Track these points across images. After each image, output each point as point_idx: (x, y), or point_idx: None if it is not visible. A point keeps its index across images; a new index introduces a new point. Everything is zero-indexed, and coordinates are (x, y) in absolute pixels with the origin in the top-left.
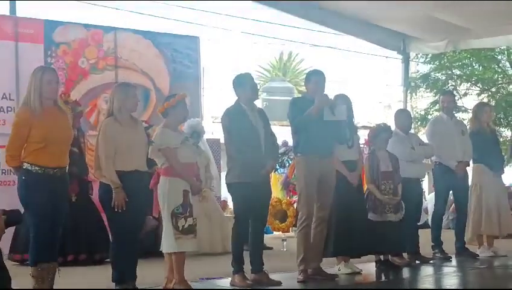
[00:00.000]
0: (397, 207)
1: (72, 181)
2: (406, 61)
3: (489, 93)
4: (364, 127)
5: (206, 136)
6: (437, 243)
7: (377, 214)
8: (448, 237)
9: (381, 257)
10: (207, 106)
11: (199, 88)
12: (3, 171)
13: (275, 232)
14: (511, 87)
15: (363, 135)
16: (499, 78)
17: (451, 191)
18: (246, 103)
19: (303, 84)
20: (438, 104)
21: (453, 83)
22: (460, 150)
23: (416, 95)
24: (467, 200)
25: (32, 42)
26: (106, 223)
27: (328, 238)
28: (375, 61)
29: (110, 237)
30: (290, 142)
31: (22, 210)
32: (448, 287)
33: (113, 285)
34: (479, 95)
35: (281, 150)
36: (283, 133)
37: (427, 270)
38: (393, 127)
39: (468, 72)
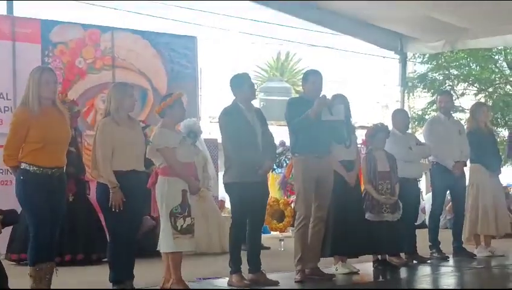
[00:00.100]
0: (394, 207)
1: (69, 181)
2: (404, 61)
3: (487, 93)
4: (362, 127)
5: (203, 136)
6: (434, 243)
7: (374, 214)
8: (445, 237)
9: (379, 256)
10: (204, 105)
11: (197, 88)
12: (1, 170)
13: (272, 232)
14: (508, 87)
15: (360, 135)
16: (496, 78)
17: (448, 191)
18: (244, 102)
19: (300, 84)
20: (435, 104)
21: (451, 83)
22: (457, 150)
23: (413, 95)
24: (464, 200)
25: (30, 42)
26: (103, 223)
27: (326, 238)
28: (373, 61)
29: (108, 237)
30: (288, 142)
31: (19, 210)
32: (445, 287)
33: (110, 285)
34: (476, 95)
35: (279, 150)
36: (280, 133)
37: (425, 270)
38: (390, 127)
39: (465, 72)
